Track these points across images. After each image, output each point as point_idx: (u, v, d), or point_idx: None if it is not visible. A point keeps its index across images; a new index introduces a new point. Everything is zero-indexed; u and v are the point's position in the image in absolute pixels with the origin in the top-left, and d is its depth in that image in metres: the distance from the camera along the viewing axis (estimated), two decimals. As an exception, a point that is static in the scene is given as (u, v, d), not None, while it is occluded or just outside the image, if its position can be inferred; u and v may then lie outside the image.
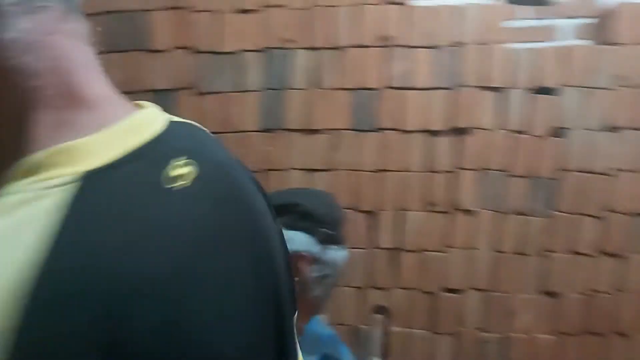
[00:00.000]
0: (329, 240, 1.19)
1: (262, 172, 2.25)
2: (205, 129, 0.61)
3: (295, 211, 1.14)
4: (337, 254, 1.22)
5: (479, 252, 2.24)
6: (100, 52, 2.20)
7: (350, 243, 2.24)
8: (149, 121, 0.56)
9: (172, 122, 0.58)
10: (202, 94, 2.24)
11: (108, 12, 2.22)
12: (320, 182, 2.24)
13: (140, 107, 0.59)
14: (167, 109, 2.20)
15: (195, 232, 0.50)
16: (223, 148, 0.59)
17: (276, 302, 0.57)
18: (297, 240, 1.14)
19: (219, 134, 2.24)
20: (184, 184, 0.52)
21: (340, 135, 2.23)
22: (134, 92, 2.25)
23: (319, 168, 2.24)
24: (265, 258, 0.55)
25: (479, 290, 2.25)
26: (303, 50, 2.20)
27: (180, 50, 2.22)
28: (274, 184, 2.24)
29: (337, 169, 2.24)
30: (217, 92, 2.23)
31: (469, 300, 2.25)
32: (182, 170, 0.52)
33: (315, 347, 1.18)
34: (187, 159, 0.53)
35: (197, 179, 0.53)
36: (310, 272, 1.16)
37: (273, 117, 2.23)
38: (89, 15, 2.26)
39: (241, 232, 0.53)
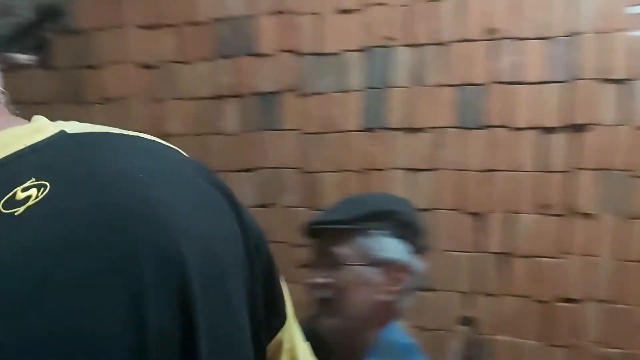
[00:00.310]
0: (420, 250, 1.17)
1: (364, 172, 2.22)
2: (125, 133, 0.57)
3: (395, 219, 1.13)
4: (422, 264, 1.20)
5: (600, 260, 2.04)
6: (210, 59, 2.30)
7: (456, 246, 2.15)
8: (5, 140, 0.53)
9: (58, 135, 0.54)
10: (304, 95, 2.26)
11: (217, 20, 2.32)
12: (423, 183, 2.18)
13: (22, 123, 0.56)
14: (271, 111, 2.26)
15: (26, 261, 0.46)
16: (137, 156, 0.54)
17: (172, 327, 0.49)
18: (397, 249, 1.13)
19: (321, 135, 2.26)
20: (21, 209, 0.48)
21: (445, 133, 2.15)
22: (241, 96, 2.33)
23: (422, 168, 2.17)
24: (154, 285, 0.48)
25: (600, 301, 2.05)
26: (405, 47, 2.15)
27: (284, 53, 2.27)
28: (376, 184, 2.21)
29: (441, 169, 2.16)
30: (320, 93, 2.24)
31: (589, 312, 2.06)
32: (28, 192, 0.48)
33: (389, 355, 1.15)
34: (37, 179, 0.49)
35: (45, 200, 0.49)
36: (406, 282, 1.14)
37: (375, 116, 2.20)
38: (199, 24, 2.37)
39: (104, 256, 0.48)
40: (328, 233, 1.15)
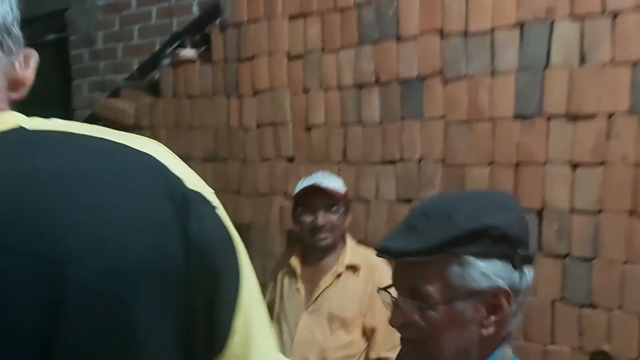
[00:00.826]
0: (525, 261, 0.95)
1: (514, 166, 1.95)
2: (92, 135, 0.61)
3: (488, 236, 0.91)
4: (531, 274, 0.97)
5: None
6: (353, 46, 2.20)
7: (628, 256, 1.79)
8: None
9: (12, 130, 0.60)
10: (450, 80, 2.06)
11: (360, 4, 2.22)
12: (588, 180, 1.84)
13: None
14: (413, 98, 2.09)
15: None
16: (72, 158, 0.58)
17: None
18: (496, 272, 0.92)
19: (468, 123, 2.04)
20: None
21: (616, 121, 1.79)
22: (383, 83, 2.20)
23: (586, 161, 1.84)
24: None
25: None
26: (567, 20, 1.84)
27: (428, 35, 2.09)
28: (529, 180, 1.93)
29: (611, 163, 1.81)
30: (466, 77, 2.02)
31: None
32: None
33: None
34: None
35: None
36: (512, 306, 0.94)
37: (529, 101, 1.92)
38: (343, 10, 2.28)
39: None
40: (412, 264, 0.95)
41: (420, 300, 0.94)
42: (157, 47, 3.01)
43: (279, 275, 2.03)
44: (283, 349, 1.92)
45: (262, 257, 2.47)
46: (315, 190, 1.96)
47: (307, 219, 1.96)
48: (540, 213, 1.91)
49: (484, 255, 0.91)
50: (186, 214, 0.58)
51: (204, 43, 2.74)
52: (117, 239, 0.54)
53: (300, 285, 1.96)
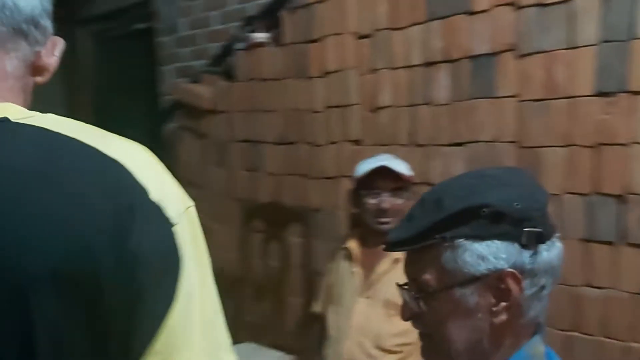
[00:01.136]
0: (537, 239, 0.85)
1: (597, 148, 1.79)
2: (63, 133, 0.62)
3: (483, 216, 0.84)
4: (551, 253, 0.87)
5: None
6: (422, 22, 2.13)
7: None
8: None
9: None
10: (524, 55, 1.91)
11: (429, -22, 2.12)
12: (680, 162, 1.66)
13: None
14: (485, 76, 1.98)
15: None
16: (25, 155, 0.59)
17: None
18: (496, 253, 0.84)
19: (544, 102, 1.89)
20: None
21: None
22: (453, 60, 2.08)
23: (678, 142, 1.66)
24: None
25: None
26: (657, -16, 1.66)
27: (501, 8, 1.95)
28: (610, 162, 1.76)
29: None
30: (542, 52, 1.87)
31: None
32: None
33: None
34: None
35: None
36: (523, 290, 0.85)
37: (613, 76, 1.75)
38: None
39: None
40: (411, 255, 0.91)
41: (420, 291, 0.89)
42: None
43: (338, 258, 1.99)
44: (339, 333, 1.88)
45: (330, 241, 2.44)
46: (382, 173, 1.90)
47: (372, 201, 1.91)
48: (622, 198, 1.74)
49: (480, 237, 0.84)
50: (128, 225, 0.57)
51: (276, 26, 2.74)
52: (27, 235, 0.54)
53: (357, 269, 1.91)
